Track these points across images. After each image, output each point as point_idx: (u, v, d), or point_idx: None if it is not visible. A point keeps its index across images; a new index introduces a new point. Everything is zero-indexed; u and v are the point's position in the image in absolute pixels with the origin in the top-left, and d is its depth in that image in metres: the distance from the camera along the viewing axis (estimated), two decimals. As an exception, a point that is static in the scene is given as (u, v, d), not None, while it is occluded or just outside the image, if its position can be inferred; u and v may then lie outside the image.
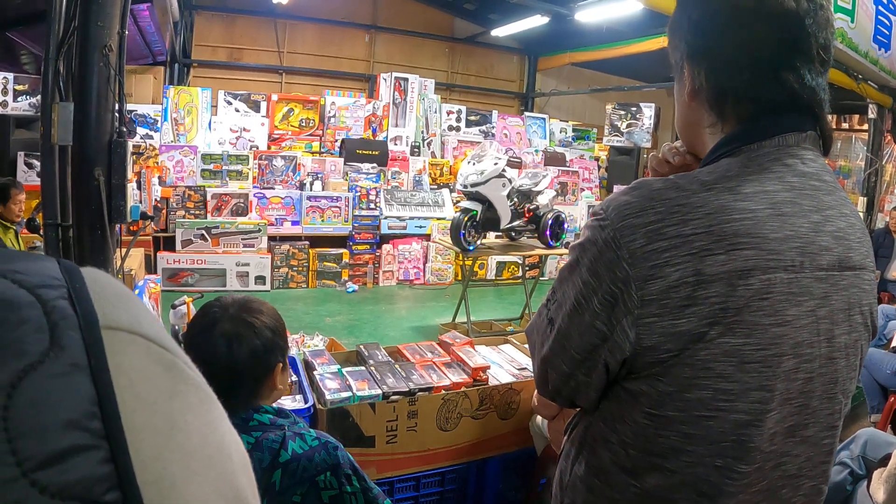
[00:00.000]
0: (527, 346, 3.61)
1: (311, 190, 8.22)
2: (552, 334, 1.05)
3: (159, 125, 8.09)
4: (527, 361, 3.47)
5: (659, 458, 0.99)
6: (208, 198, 7.69)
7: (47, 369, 0.32)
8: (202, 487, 0.36)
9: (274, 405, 1.75)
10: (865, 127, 8.94)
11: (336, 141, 9.02)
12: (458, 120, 10.09)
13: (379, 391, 2.82)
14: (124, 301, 0.39)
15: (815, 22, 0.98)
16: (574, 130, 11.30)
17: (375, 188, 8.45)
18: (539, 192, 6.13)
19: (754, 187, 0.95)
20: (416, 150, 9.50)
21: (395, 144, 9.28)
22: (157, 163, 7.71)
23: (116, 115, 2.96)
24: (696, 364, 0.93)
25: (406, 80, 9.51)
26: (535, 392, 1.75)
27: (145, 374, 0.37)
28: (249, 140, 8.47)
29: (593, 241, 0.98)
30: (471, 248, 5.88)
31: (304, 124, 8.89)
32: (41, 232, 3.13)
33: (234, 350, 1.58)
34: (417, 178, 9.10)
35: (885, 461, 2.70)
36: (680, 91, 1.10)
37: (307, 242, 8.06)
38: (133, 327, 0.38)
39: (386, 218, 8.49)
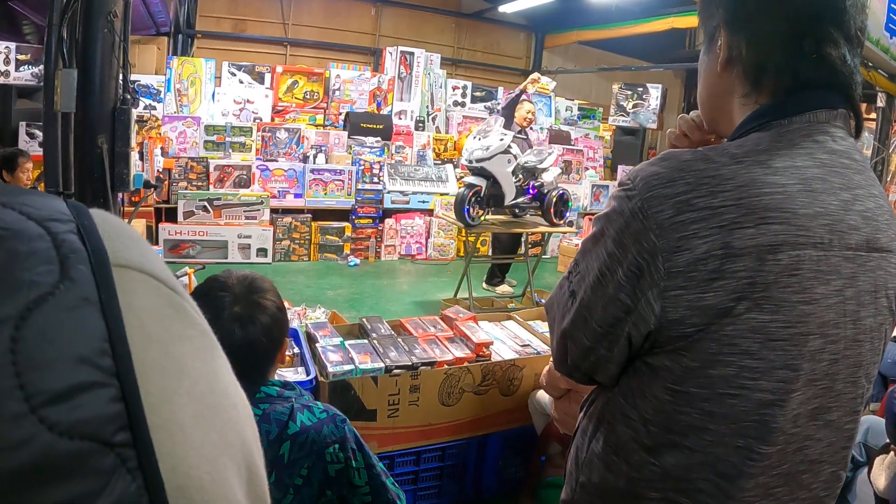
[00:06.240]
0: (529, 322, 3.63)
1: (314, 163, 8.18)
2: (574, 307, 1.03)
3: (162, 96, 8.03)
4: (529, 338, 3.47)
5: (679, 435, 0.98)
6: (211, 169, 7.65)
7: (58, 301, 0.31)
8: (209, 434, 0.36)
9: (279, 378, 1.74)
10: (873, 115, 8.88)
11: (340, 114, 8.96)
12: (464, 95, 10.02)
13: (381, 364, 2.82)
14: (134, 240, 0.38)
15: (854, 4, 0.97)
16: (580, 109, 11.21)
17: (379, 162, 8.41)
18: (544, 170, 6.10)
19: (785, 162, 0.93)
20: (420, 124, 9.44)
21: (400, 119, 9.22)
22: (160, 133, 7.67)
23: (120, 82, 2.94)
24: (722, 339, 0.91)
25: (412, 54, 9.42)
26: (545, 369, 1.74)
27: (155, 314, 0.36)
28: (253, 112, 8.41)
29: (620, 212, 0.96)
30: (474, 223, 5.86)
31: (308, 97, 8.82)
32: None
33: (249, 331, 1.56)
34: (421, 153, 9.06)
35: (886, 448, 2.70)
36: (710, 61, 1.07)
37: (309, 215, 8.04)
38: (143, 266, 0.37)
39: (389, 192, 8.46)
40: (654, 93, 9.90)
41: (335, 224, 8.17)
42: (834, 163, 0.96)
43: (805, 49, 0.96)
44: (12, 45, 6.84)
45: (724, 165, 0.92)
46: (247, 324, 1.56)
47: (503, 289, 7.04)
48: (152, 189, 6.79)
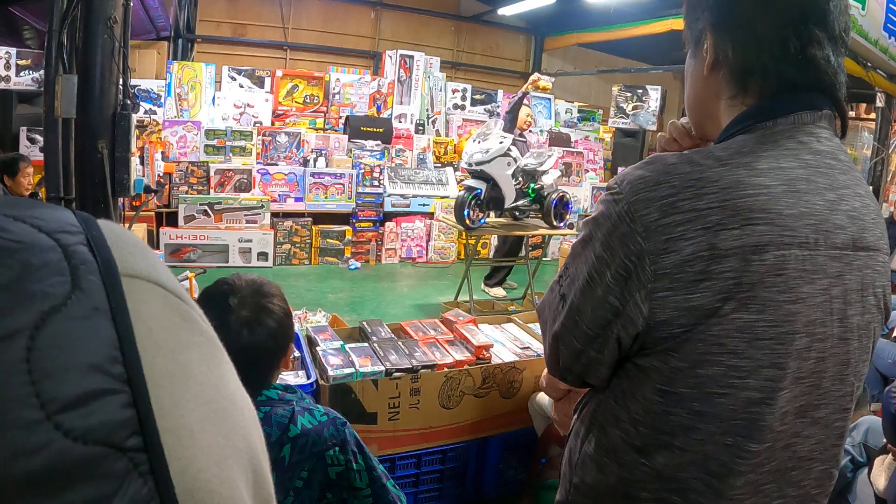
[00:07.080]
0: (529, 325, 3.64)
1: (314, 166, 8.19)
2: (564, 310, 1.04)
3: (163, 100, 8.05)
4: (529, 340, 3.47)
5: (669, 435, 0.99)
6: (211, 173, 7.66)
7: (70, 312, 0.32)
8: (216, 437, 0.37)
9: (280, 381, 1.75)
10: (873, 116, 8.88)
11: (340, 118, 8.97)
12: (464, 98, 10.04)
13: (382, 368, 2.82)
14: (141, 250, 0.39)
15: (837, 5, 0.98)
16: (579, 111, 11.22)
17: (379, 165, 8.42)
18: (544, 172, 6.11)
19: (769, 163, 0.94)
20: (420, 127, 9.46)
21: (400, 122, 9.23)
22: (161, 138, 7.68)
23: (120, 87, 2.95)
24: (709, 339, 0.92)
25: (411, 57, 9.44)
26: (544, 372, 1.74)
27: (163, 322, 0.37)
28: (253, 116, 8.42)
29: (607, 215, 0.97)
30: (474, 226, 5.87)
31: (308, 101, 8.84)
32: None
33: (257, 334, 1.57)
34: (421, 157, 9.07)
35: (886, 449, 2.71)
36: (696, 64, 1.08)
37: (310, 219, 8.05)
38: (151, 276, 0.38)
39: (389, 195, 8.47)
40: (654, 94, 9.91)
41: (336, 227, 8.18)
42: (819, 163, 0.97)
43: (790, 50, 0.97)
44: (13, 51, 6.86)
45: (709, 168, 0.93)
46: (254, 327, 1.58)
47: (495, 291, 7.03)
48: (153, 193, 6.82)
